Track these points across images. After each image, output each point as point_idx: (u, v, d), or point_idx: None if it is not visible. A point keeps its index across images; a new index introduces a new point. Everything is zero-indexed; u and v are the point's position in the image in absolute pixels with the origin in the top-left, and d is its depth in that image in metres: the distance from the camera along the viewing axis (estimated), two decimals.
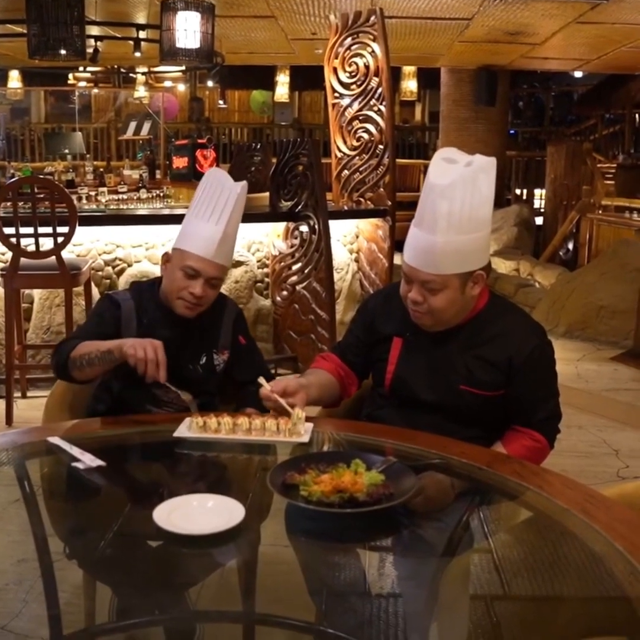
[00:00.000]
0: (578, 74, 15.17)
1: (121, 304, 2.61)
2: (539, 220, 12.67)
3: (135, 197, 7.07)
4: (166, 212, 6.34)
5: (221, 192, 2.53)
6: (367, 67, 6.10)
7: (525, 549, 1.84)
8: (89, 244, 5.56)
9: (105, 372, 2.49)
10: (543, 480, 1.97)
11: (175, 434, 2.23)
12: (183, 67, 10.10)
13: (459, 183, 2.21)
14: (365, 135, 6.19)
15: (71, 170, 8.34)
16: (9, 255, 4.76)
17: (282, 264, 5.93)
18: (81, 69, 11.94)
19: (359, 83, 6.18)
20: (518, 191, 14.24)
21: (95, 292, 5.38)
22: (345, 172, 6.40)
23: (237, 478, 2.30)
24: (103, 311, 2.63)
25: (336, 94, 6.37)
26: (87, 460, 2.04)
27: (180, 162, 7.19)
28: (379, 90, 6.05)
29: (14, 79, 13.81)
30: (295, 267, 5.82)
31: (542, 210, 13.17)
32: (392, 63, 6.13)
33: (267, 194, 6.05)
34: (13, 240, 4.63)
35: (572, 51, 10.19)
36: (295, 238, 5.77)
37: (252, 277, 6.04)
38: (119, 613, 1.52)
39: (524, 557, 1.79)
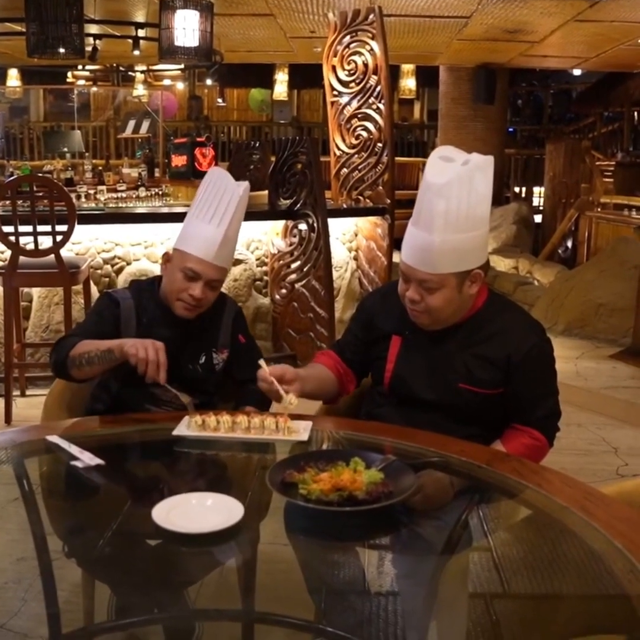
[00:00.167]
0: (577, 72, 15.16)
1: (120, 303, 2.61)
2: (537, 218, 12.67)
3: (134, 196, 7.08)
4: (165, 210, 6.33)
5: (223, 194, 2.52)
6: (365, 65, 6.09)
7: (525, 547, 1.84)
8: (88, 243, 5.55)
9: (103, 372, 2.49)
10: (542, 479, 1.97)
11: (174, 433, 2.23)
12: (182, 66, 10.11)
13: (456, 182, 2.21)
14: (364, 134, 6.18)
15: (70, 168, 8.34)
16: (8, 253, 4.76)
17: (281, 262, 5.93)
18: (80, 67, 11.95)
19: (357, 81, 6.17)
20: (517, 189, 14.23)
21: (94, 291, 5.37)
22: (344, 170, 6.40)
23: (236, 476, 2.30)
24: (102, 309, 2.62)
25: (335, 92, 6.37)
26: (86, 458, 2.04)
27: (179, 161, 7.19)
28: (378, 88, 6.05)
29: (13, 78, 13.81)
30: (294, 266, 5.82)
31: (541, 208, 13.17)
32: (391, 61, 6.13)
33: (266, 192, 6.05)
34: (12, 238, 4.63)
35: (571, 49, 10.19)
36: (294, 236, 5.77)
37: (251, 275, 6.04)
38: (118, 612, 1.52)
39: (524, 555, 1.79)
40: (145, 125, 11.11)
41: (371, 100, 6.12)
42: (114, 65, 13.28)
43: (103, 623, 1.49)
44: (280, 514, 1.84)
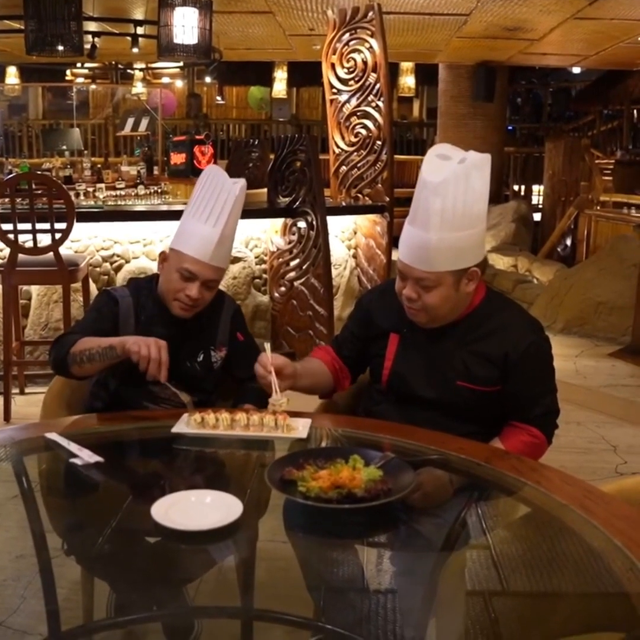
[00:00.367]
0: (576, 70, 15.16)
1: (119, 301, 2.61)
2: (537, 217, 12.65)
3: (133, 194, 7.07)
4: (164, 208, 6.33)
5: (220, 193, 2.52)
6: (365, 63, 6.09)
7: (524, 545, 1.84)
8: (87, 240, 5.55)
9: (103, 369, 2.49)
10: (541, 476, 1.97)
11: (174, 430, 2.23)
12: (181, 63, 10.11)
13: (452, 180, 2.21)
14: (363, 131, 6.18)
15: (69, 166, 8.32)
16: (6, 251, 4.76)
17: (280, 260, 5.92)
18: (79, 65, 11.96)
19: (356, 79, 6.17)
20: (516, 187, 14.21)
21: (93, 288, 5.37)
22: (343, 168, 6.40)
23: (235, 474, 2.30)
24: (101, 307, 2.62)
25: (334, 90, 6.37)
26: (85, 456, 2.04)
27: (178, 159, 7.19)
28: (377, 86, 6.05)
29: (12, 75, 13.79)
30: (293, 263, 5.81)
31: (540, 206, 13.15)
32: (390, 59, 6.13)
33: (265, 190, 6.05)
34: (11, 236, 4.63)
35: (570, 47, 10.18)
36: (293, 234, 5.77)
37: (250, 273, 6.03)
38: (117, 609, 1.52)
39: (522, 553, 1.79)
40: (144, 123, 11.09)
41: (370, 98, 6.12)
42: (113, 62, 13.27)
43: (102, 620, 1.49)
44: (279, 512, 1.84)
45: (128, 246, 5.67)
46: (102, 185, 7.21)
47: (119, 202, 6.63)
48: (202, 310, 2.62)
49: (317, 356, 2.65)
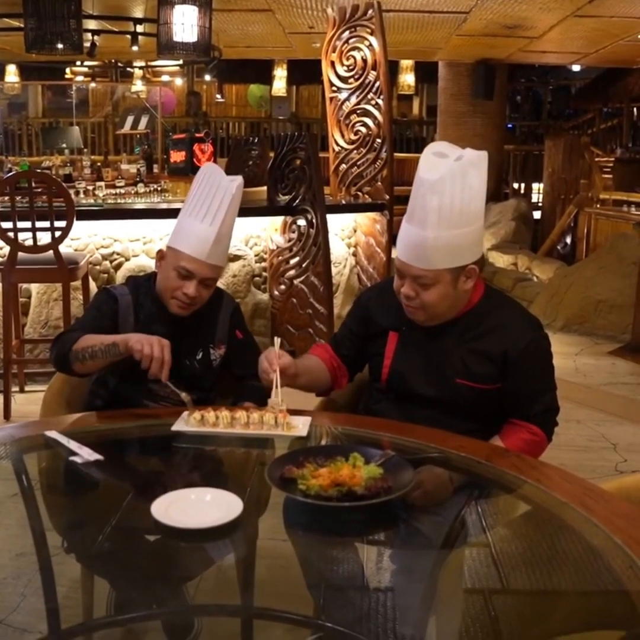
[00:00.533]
0: (576, 68, 15.12)
1: (119, 299, 2.61)
2: (537, 215, 12.64)
3: (132, 192, 7.06)
4: (164, 206, 6.32)
5: (216, 191, 2.51)
6: (364, 60, 6.08)
7: (524, 543, 1.84)
8: (87, 238, 5.55)
9: (105, 366, 2.48)
10: (541, 474, 1.97)
11: (173, 428, 2.23)
12: (180, 61, 10.10)
13: (448, 178, 2.21)
14: (363, 129, 6.17)
15: (68, 164, 8.31)
16: (6, 249, 4.76)
17: (280, 258, 5.92)
18: (78, 63, 11.93)
19: (356, 77, 6.17)
20: (516, 185, 14.21)
21: (93, 287, 5.37)
22: (343, 166, 6.39)
23: (235, 472, 2.30)
24: (101, 304, 2.62)
25: (334, 88, 6.36)
26: (85, 454, 2.04)
27: (177, 157, 7.19)
28: (377, 84, 6.04)
29: (11, 73, 13.77)
30: (293, 261, 5.81)
31: (540, 204, 13.14)
32: (390, 57, 6.12)
33: (264, 188, 6.05)
34: (10, 234, 4.63)
35: (570, 45, 10.17)
36: (293, 232, 5.77)
37: (250, 271, 6.03)
38: (117, 607, 1.52)
39: (522, 551, 1.79)
40: (143, 121, 11.08)
41: (370, 96, 6.11)
42: (113, 61, 13.26)
43: (102, 618, 1.49)
44: (279, 510, 1.84)
45: (128, 244, 5.67)
46: (102, 183, 7.20)
47: (119, 200, 6.62)
48: (201, 308, 2.63)
49: (315, 354, 2.65)
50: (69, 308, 4.77)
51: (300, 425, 2.23)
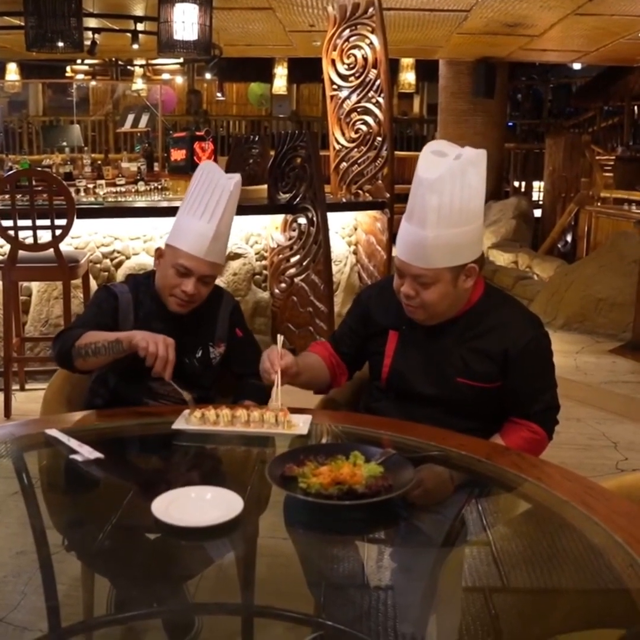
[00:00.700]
0: (577, 66, 15.11)
1: (119, 296, 2.61)
2: (537, 213, 12.65)
3: (133, 190, 7.07)
4: (164, 204, 6.32)
5: (214, 189, 2.52)
6: (365, 59, 6.08)
7: (524, 541, 1.84)
8: (87, 237, 5.55)
9: (107, 363, 2.48)
10: (542, 472, 1.97)
11: (174, 426, 2.23)
12: (181, 60, 10.07)
13: (448, 176, 2.21)
14: (364, 128, 6.17)
15: (69, 162, 8.32)
16: (7, 248, 4.76)
17: (281, 256, 5.92)
18: (79, 61, 11.91)
19: (357, 75, 6.16)
20: (516, 184, 14.22)
21: (94, 285, 5.37)
22: (344, 164, 6.39)
23: (235, 470, 2.30)
24: (101, 302, 2.63)
25: (334, 86, 6.36)
26: (85, 452, 2.04)
27: (178, 155, 7.19)
28: (377, 82, 6.03)
29: (12, 72, 13.76)
30: (293, 260, 5.81)
31: (540, 202, 13.15)
32: (391, 55, 6.11)
33: (265, 186, 6.05)
34: (11, 233, 4.63)
35: (571, 43, 10.17)
36: (294, 230, 5.77)
37: (251, 269, 6.03)
38: (117, 605, 1.52)
39: (523, 549, 1.79)
40: (144, 119, 11.09)
41: (371, 94, 6.10)
42: (113, 59, 13.23)
43: (102, 616, 1.49)
44: (280, 508, 1.84)
45: (128, 242, 5.67)
46: (103, 181, 7.21)
47: (119, 199, 6.63)
48: (200, 307, 2.63)
49: (315, 351, 2.65)
50: (70, 306, 4.77)
51: (301, 424, 2.23)
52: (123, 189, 7.10)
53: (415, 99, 17.87)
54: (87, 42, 7.15)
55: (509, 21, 8.80)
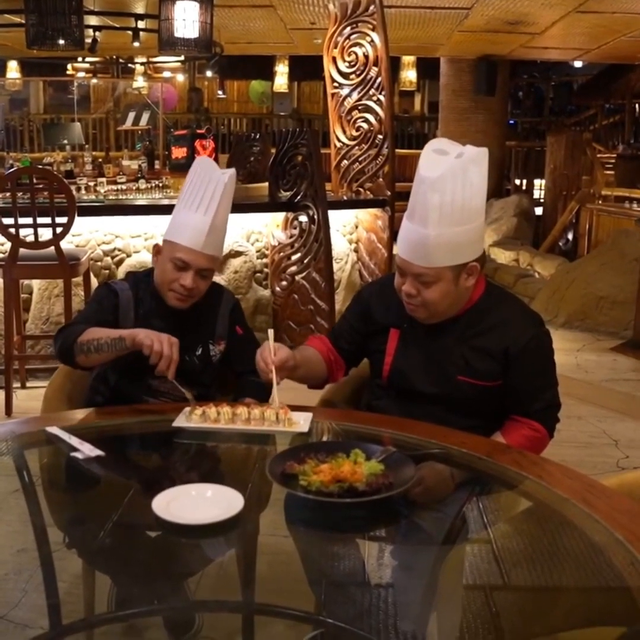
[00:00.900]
0: (578, 64, 15.13)
1: (119, 294, 2.61)
2: (538, 211, 12.65)
3: (134, 188, 7.05)
4: (165, 202, 6.31)
5: (208, 182, 2.53)
6: (366, 56, 6.07)
7: (525, 539, 1.84)
8: (88, 235, 5.55)
9: (109, 360, 2.48)
10: (543, 470, 1.97)
11: (175, 424, 2.23)
12: (182, 57, 10.08)
13: (449, 175, 2.21)
14: (365, 125, 6.17)
15: (70, 160, 8.32)
16: (7, 245, 4.75)
17: (282, 254, 5.92)
18: (80, 59, 11.92)
19: (358, 73, 6.16)
20: (518, 181, 14.20)
21: (94, 283, 5.37)
22: (345, 162, 6.39)
23: (236, 468, 2.30)
24: (102, 299, 2.63)
25: (335, 84, 6.35)
26: (86, 450, 2.04)
27: (179, 153, 7.18)
28: (378, 80, 6.03)
29: (13, 70, 13.78)
30: (294, 257, 5.81)
31: (541, 200, 13.14)
32: (392, 53, 6.11)
33: (266, 184, 6.04)
34: (12, 230, 4.63)
35: (572, 41, 10.16)
36: (295, 228, 5.77)
37: (251, 267, 6.03)
38: (118, 603, 1.52)
39: (524, 547, 1.79)
40: (145, 117, 11.09)
41: (372, 91, 6.10)
42: (114, 57, 13.25)
43: (103, 614, 1.49)
44: (281, 506, 1.84)
45: (129, 240, 5.67)
46: (103, 179, 7.19)
47: (120, 197, 6.61)
48: (200, 304, 2.63)
49: (312, 345, 2.64)
50: (71, 304, 4.77)
51: (302, 421, 2.23)
52: (124, 187, 7.09)
53: (416, 97, 17.87)
54: (88, 40, 7.14)
55: (510, 19, 8.79)
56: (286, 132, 5.87)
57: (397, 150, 7.14)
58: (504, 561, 1.64)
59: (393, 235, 6.03)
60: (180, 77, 16.60)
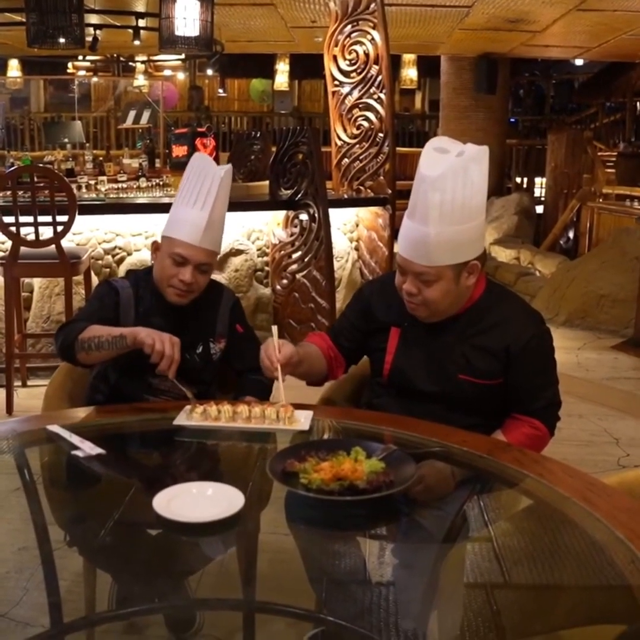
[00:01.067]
0: (579, 62, 15.12)
1: (120, 291, 2.62)
2: (539, 209, 12.64)
3: (134, 186, 7.05)
4: (166, 200, 6.31)
5: (205, 178, 2.55)
6: (367, 54, 6.07)
7: (526, 538, 1.84)
8: (89, 233, 5.55)
9: (106, 360, 2.49)
10: (544, 468, 1.96)
11: (175, 422, 2.23)
12: (182, 56, 10.07)
13: (450, 174, 2.20)
14: (365, 124, 6.17)
15: (71, 159, 8.31)
16: (8, 244, 4.75)
17: (282, 252, 5.92)
18: (80, 57, 11.92)
19: (358, 71, 6.15)
20: (518, 180, 14.19)
21: (95, 281, 5.37)
22: (345, 160, 6.38)
23: (236, 466, 2.30)
24: (103, 296, 2.63)
25: (336, 82, 6.35)
26: (87, 448, 2.04)
27: (179, 151, 7.17)
28: (379, 78, 6.03)
29: (14, 68, 13.80)
30: (295, 256, 5.81)
31: (542, 198, 13.13)
32: (392, 51, 6.11)
33: (266, 182, 6.05)
34: (13, 229, 4.63)
35: (573, 39, 10.16)
36: (295, 226, 5.77)
37: (252, 265, 6.03)
38: (119, 601, 1.52)
39: (524, 545, 1.79)
40: (145, 115, 11.09)
41: (372, 90, 6.10)
42: (115, 55, 13.24)
43: (104, 612, 1.50)
44: (281, 504, 1.84)
45: (130, 239, 5.68)
46: (104, 177, 7.19)
47: (121, 195, 6.61)
48: (201, 302, 2.63)
49: (313, 342, 2.64)
50: (71, 303, 4.77)
51: (302, 420, 2.23)
52: (125, 185, 7.08)
53: (417, 95, 17.87)
54: (89, 39, 7.14)
55: (510, 17, 8.79)
56: (287, 130, 5.87)
57: (398, 149, 7.14)
58: (504, 559, 1.64)
59: (394, 234, 6.03)
60: (181, 76, 16.60)
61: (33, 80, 15.49)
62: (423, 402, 2.41)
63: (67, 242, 4.91)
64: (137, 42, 7.80)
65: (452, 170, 2.20)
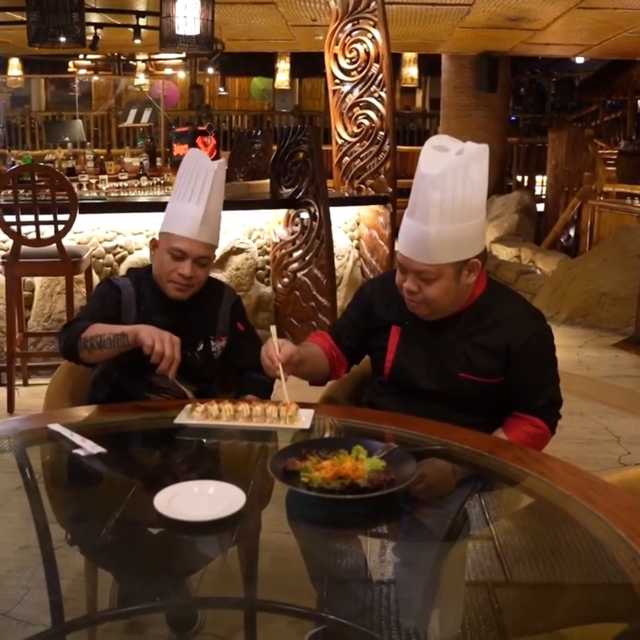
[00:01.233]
0: (579, 60, 15.11)
1: (121, 290, 2.62)
2: (540, 207, 12.63)
3: (135, 185, 7.05)
4: (167, 199, 6.29)
5: (199, 173, 2.57)
6: (367, 53, 6.07)
7: (527, 536, 1.84)
8: (90, 232, 5.55)
9: (112, 357, 2.49)
10: (545, 467, 1.97)
11: (176, 421, 2.23)
12: (183, 54, 10.08)
13: (450, 172, 2.20)
14: (366, 122, 6.16)
15: (71, 158, 8.30)
16: (9, 243, 4.75)
17: (283, 251, 5.92)
18: (81, 56, 11.96)
19: (359, 69, 6.15)
20: (519, 178, 14.18)
21: (96, 280, 5.37)
22: (346, 158, 6.38)
23: (238, 465, 2.30)
24: (104, 295, 2.63)
25: (337, 81, 6.35)
26: (88, 447, 2.04)
27: (180, 150, 7.18)
28: (380, 76, 6.02)
29: (14, 67, 13.79)
30: (296, 254, 5.81)
31: (543, 196, 13.12)
32: (393, 49, 6.11)
33: (267, 181, 6.04)
34: (14, 228, 4.63)
35: (574, 37, 10.15)
36: (296, 225, 5.76)
37: (253, 264, 6.03)
38: (120, 599, 1.53)
39: (526, 543, 1.79)
40: (146, 114, 11.08)
41: (373, 88, 6.09)
42: (115, 54, 13.26)
43: (106, 611, 1.50)
44: (282, 502, 1.84)
45: (131, 237, 5.68)
46: (105, 176, 7.19)
47: (122, 194, 6.61)
48: (201, 300, 2.64)
49: (315, 342, 2.64)
50: (72, 301, 4.78)
51: (303, 418, 2.23)
52: (126, 184, 7.08)
53: (417, 94, 17.87)
54: (89, 37, 7.15)
55: (511, 15, 8.78)
56: (288, 129, 5.87)
57: (399, 147, 7.12)
58: (505, 557, 1.64)
59: (394, 232, 6.03)
60: (182, 74, 16.62)
61: (34, 79, 15.49)
62: (424, 400, 2.41)
63: (68, 241, 4.91)
64: (137, 41, 7.82)
65: (452, 169, 2.20)
